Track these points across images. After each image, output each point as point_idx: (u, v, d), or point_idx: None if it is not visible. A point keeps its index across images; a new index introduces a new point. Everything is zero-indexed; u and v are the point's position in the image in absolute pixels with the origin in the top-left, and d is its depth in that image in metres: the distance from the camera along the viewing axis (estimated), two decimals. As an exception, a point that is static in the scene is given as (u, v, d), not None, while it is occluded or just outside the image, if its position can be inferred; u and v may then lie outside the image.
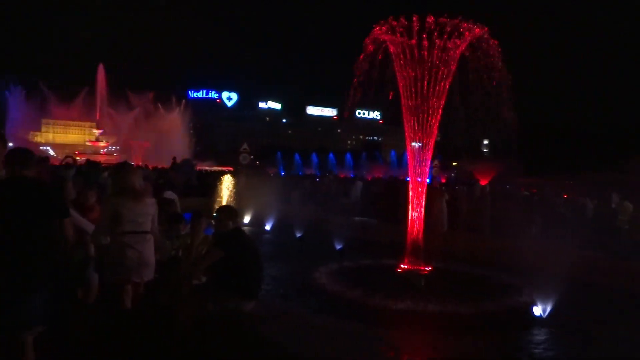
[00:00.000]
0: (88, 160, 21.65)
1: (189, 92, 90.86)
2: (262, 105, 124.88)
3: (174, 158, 28.32)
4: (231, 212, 5.11)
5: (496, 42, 9.22)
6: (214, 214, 5.24)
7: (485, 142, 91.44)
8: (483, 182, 30.27)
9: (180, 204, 9.18)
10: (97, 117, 69.83)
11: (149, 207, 4.85)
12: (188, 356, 4.38)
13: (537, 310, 7.34)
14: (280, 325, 4.93)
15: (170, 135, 65.17)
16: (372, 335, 6.36)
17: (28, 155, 3.73)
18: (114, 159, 51.65)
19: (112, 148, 68.15)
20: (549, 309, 7.28)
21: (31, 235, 3.47)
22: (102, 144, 67.76)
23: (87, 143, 68.59)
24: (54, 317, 3.71)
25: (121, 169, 5.00)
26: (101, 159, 42.82)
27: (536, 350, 6.30)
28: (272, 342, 4.41)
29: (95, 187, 6.92)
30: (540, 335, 6.80)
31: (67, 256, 4.32)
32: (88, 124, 71.42)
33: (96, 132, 69.27)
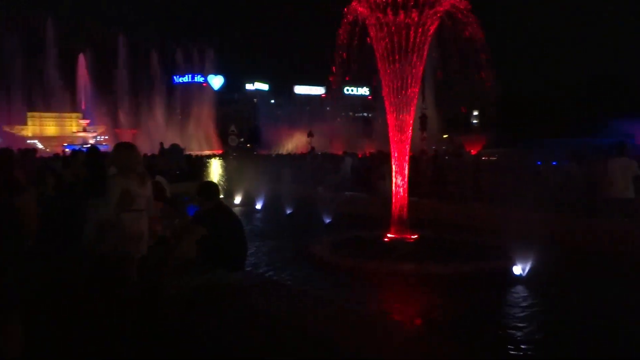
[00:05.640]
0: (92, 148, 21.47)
1: (174, 77, 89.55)
2: (249, 86, 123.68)
3: (161, 144, 28.31)
4: (211, 189, 5.24)
5: (474, 17, 9.30)
6: (197, 193, 5.35)
7: (475, 113, 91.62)
8: (473, 152, 30.52)
9: (170, 189, 9.36)
10: (83, 108, 69.21)
11: (148, 189, 5.05)
12: (175, 328, 4.57)
13: (517, 270, 7.62)
14: (268, 294, 5.10)
15: (157, 122, 65.04)
16: (361, 300, 6.62)
17: None
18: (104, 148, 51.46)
19: (100, 138, 67.54)
20: (527, 268, 7.57)
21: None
22: (90, 135, 67.10)
23: (79, 134, 67.63)
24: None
25: (126, 149, 5.15)
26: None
27: (512, 305, 6.66)
28: (260, 311, 4.59)
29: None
30: (518, 292, 7.10)
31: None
32: (75, 115, 70.47)
33: (83, 122, 68.64)
